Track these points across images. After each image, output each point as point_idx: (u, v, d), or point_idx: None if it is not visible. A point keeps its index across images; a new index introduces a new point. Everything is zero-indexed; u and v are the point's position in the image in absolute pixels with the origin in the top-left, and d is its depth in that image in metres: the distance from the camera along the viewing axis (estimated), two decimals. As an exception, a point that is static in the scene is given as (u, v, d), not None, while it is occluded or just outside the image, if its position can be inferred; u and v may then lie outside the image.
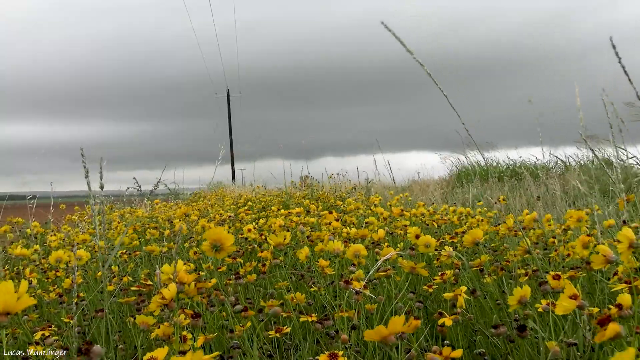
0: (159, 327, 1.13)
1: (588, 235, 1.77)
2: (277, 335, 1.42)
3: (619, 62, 1.90)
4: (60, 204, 5.80)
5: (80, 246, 2.54)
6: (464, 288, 1.38)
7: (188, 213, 3.29)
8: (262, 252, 2.09)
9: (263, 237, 2.77)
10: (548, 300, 1.32)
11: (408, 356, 1.25)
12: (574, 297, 1.06)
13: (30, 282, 1.99)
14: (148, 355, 0.85)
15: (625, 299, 0.97)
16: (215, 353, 0.89)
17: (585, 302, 1.07)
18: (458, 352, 1.08)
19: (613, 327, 0.82)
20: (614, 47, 1.87)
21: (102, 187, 1.61)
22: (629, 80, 1.82)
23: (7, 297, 0.84)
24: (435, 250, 2.09)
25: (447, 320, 1.21)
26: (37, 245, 3.24)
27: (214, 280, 1.62)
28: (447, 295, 1.43)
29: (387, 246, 2.22)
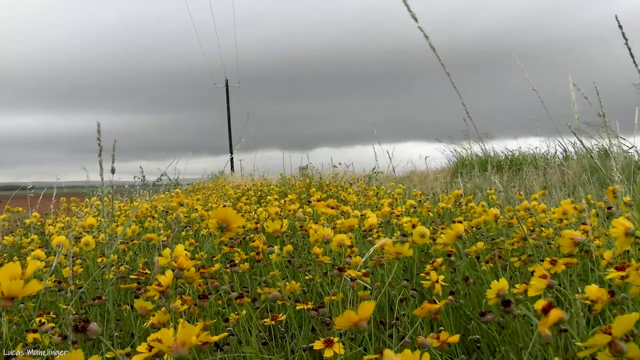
0: (154, 315, 1.14)
1: (583, 223, 1.78)
2: (273, 322, 1.43)
3: (626, 43, 1.88)
4: (60, 196, 5.81)
5: (88, 230, 2.55)
6: (442, 276, 1.40)
7: (183, 202, 3.29)
8: (253, 241, 2.10)
9: (259, 225, 2.78)
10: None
11: (402, 342, 1.26)
12: (543, 277, 1.09)
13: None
14: (152, 336, 0.85)
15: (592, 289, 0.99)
16: (222, 335, 0.90)
17: (554, 281, 1.10)
18: (455, 338, 1.09)
19: (556, 314, 0.86)
20: (620, 27, 1.85)
21: (113, 171, 1.60)
22: (634, 61, 1.80)
23: (12, 281, 0.82)
24: (432, 239, 2.10)
25: (440, 303, 1.21)
26: (35, 235, 3.26)
27: (217, 265, 1.63)
28: (426, 283, 1.45)
29: (378, 235, 2.23)
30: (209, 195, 6.36)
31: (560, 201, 4.67)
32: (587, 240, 1.15)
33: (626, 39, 1.84)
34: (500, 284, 1.19)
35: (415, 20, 1.36)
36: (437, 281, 1.36)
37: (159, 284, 1.04)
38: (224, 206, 1.15)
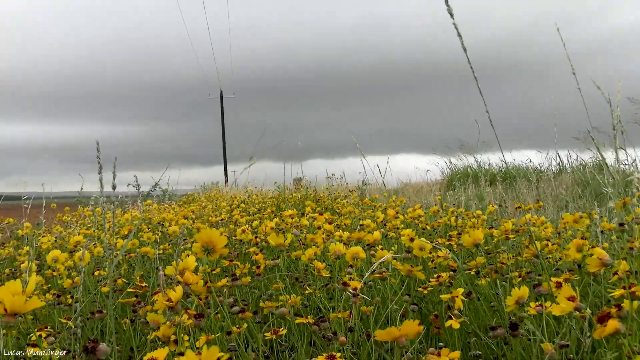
0: (159, 329, 1.13)
1: (582, 238, 1.80)
2: (274, 337, 1.43)
3: None
4: (52, 204, 5.77)
5: (81, 247, 2.54)
6: (461, 290, 1.39)
7: (187, 216, 3.29)
8: (256, 254, 2.10)
9: (258, 239, 2.78)
10: (539, 303, 1.33)
11: (404, 358, 1.26)
12: (571, 298, 1.07)
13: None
14: (148, 355, 0.85)
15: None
16: (227, 355, 0.89)
17: (582, 304, 1.08)
18: (456, 354, 1.09)
19: (613, 324, 0.84)
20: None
21: (114, 187, 1.60)
22: None
23: (15, 297, 0.83)
24: (430, 252, 2.11)
25: (455, 323, 1.22)
26: (28, 247, 3.23)
27: (223, 281, 1.62)
28: (445, 297, 1.45)
29: (382, 249, 2.23)
30: (203, 207, 6.34)
31: (553, 215, 4.68)
32: (613, 261, 1.15)
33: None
34: (521, 292, 1.18)
35: (452, 15, 1.38)
36: (457, 296, 1.36)
37: (169, 300, 1.04)
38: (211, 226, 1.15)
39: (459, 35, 1.45)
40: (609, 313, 0.87)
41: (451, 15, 1.42)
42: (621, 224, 1.80)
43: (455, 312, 1.40)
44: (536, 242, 1.78)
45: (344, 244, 2.19)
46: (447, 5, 1.41)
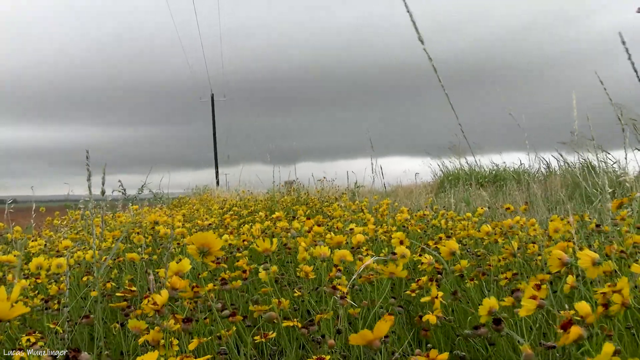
0: (148, 333, 1.14)
1: (567, 240, 1.82)
2: (263, 340, 1.43)
3: (629, 58, 1.95)
4: (41, 207, 5.73)
5: (66, 252, 2.53)
6: (441, 293, 1.42)
7: (157, 220, 3.27)
8: (239, 260, 2.10)
9: (245, 242, 2.78)
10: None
11: (394, 359, 1.27)
12: (533, 298, 1.12)
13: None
14: (139, 359, 0.85)
15: (582, 306, 1.02)
16: (208, 356, 0.90)
17: (544, 301, 1.12)
18: (444, 356, 1.10)
19: (575, 330, 0.87)
20: (623, 42, 1.94)
21: (103, 193, 1.60)
22: (638, 77, 1.88)
23: (0, 303, 0.83)
24: (419, 255, 2.13)
25: (432, 318, 1.23)
26: (17, 251, 3.21)
27: (210, 285, 1.62)
28: (424, 299, 1.46)
29: (367, 251, 2.25)
30: (194, 210, 6.32)
31: (542, 216, 4.72)
32: (574, 260, 1.18)
33: (629, 55, 1.92)
34: (492, 301, 1.21)
35: (422, 42, 1.41)
36: (436, 297, 1.38)
37: (155, 303, 1.04)
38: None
39: (430, 58, 1.49)
40: (571, 320, 0.90)
41: (421, 41, 1.46)
42: (597, 225, 1.83)
43: (440, 314, 1.41)
44: (513, 242, 1.80)
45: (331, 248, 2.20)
46: (418, 33, 1.44)
